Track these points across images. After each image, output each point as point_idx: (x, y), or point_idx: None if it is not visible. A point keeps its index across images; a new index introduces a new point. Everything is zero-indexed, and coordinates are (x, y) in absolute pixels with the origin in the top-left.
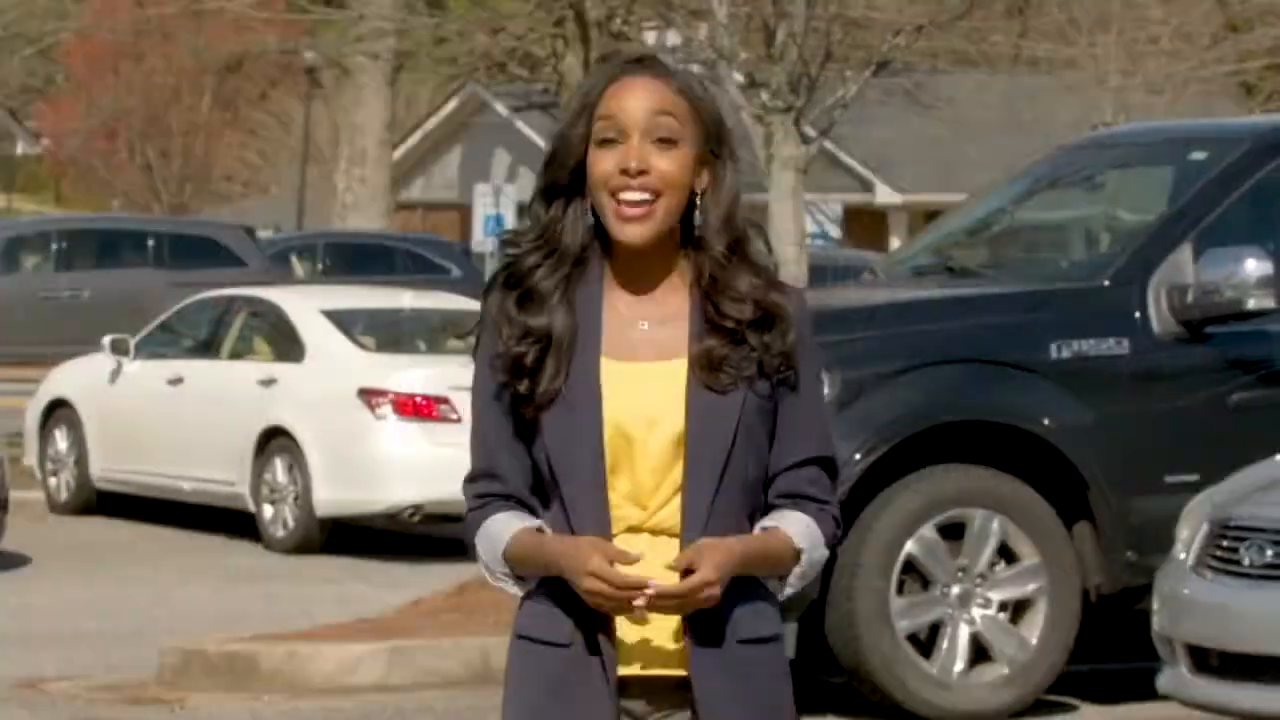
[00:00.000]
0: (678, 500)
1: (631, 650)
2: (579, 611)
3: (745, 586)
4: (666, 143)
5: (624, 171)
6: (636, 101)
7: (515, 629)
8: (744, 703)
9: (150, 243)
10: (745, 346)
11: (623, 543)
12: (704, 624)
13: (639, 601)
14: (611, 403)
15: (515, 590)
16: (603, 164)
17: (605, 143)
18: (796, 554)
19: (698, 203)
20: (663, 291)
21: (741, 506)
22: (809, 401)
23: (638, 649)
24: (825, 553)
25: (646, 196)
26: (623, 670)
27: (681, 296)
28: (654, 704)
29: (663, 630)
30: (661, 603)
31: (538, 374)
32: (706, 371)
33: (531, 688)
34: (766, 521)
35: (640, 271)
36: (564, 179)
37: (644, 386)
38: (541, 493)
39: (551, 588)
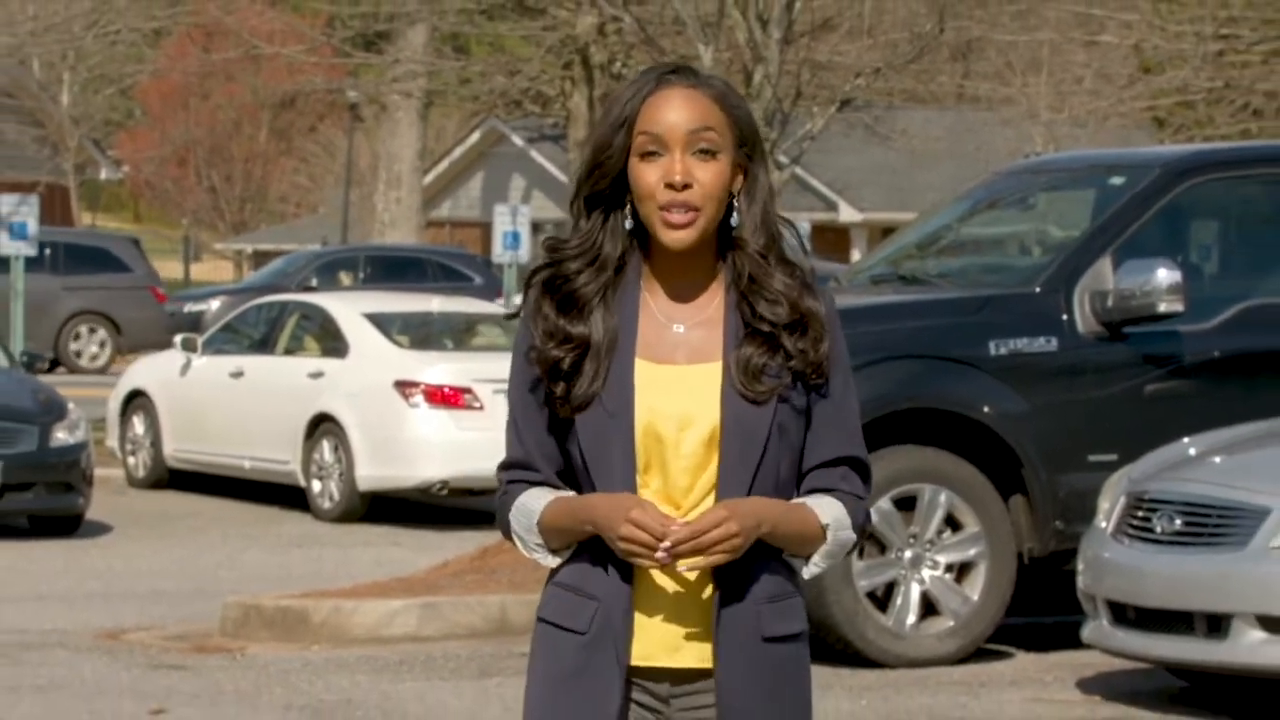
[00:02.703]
0: (711, 499)
1: (657, 642)
2: (600, 600)
3: (774, 581)
4: (707, 154)
5: (669, 185)
6: (677, 115)
7: (539, 612)
8: (766, 699)
9: (47, 251)
10: (782, 353)
11: None
12: (731, 620)
13: (665, 543)
14: (644, 404)
15: (549, 561)
16: (647, 177)
17: (648, 155)
18: (822, 530)
19: (735, 204)
20: (699, 294)
21: None
22: (840, 404)
23: (658, 639)
24: (853, 536)
25: (692, 209)
26: (646, 661)
27: (717, 301)
28: (677, 689)
29: (684, 620)
30: (683, 548)
31: (575, 377)
32: (745, 378)
33: (549, 671)
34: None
35: (678, 274)
36: (605, 188)
37: (678, 388)
38: (574, 483)
39: (575, 574)
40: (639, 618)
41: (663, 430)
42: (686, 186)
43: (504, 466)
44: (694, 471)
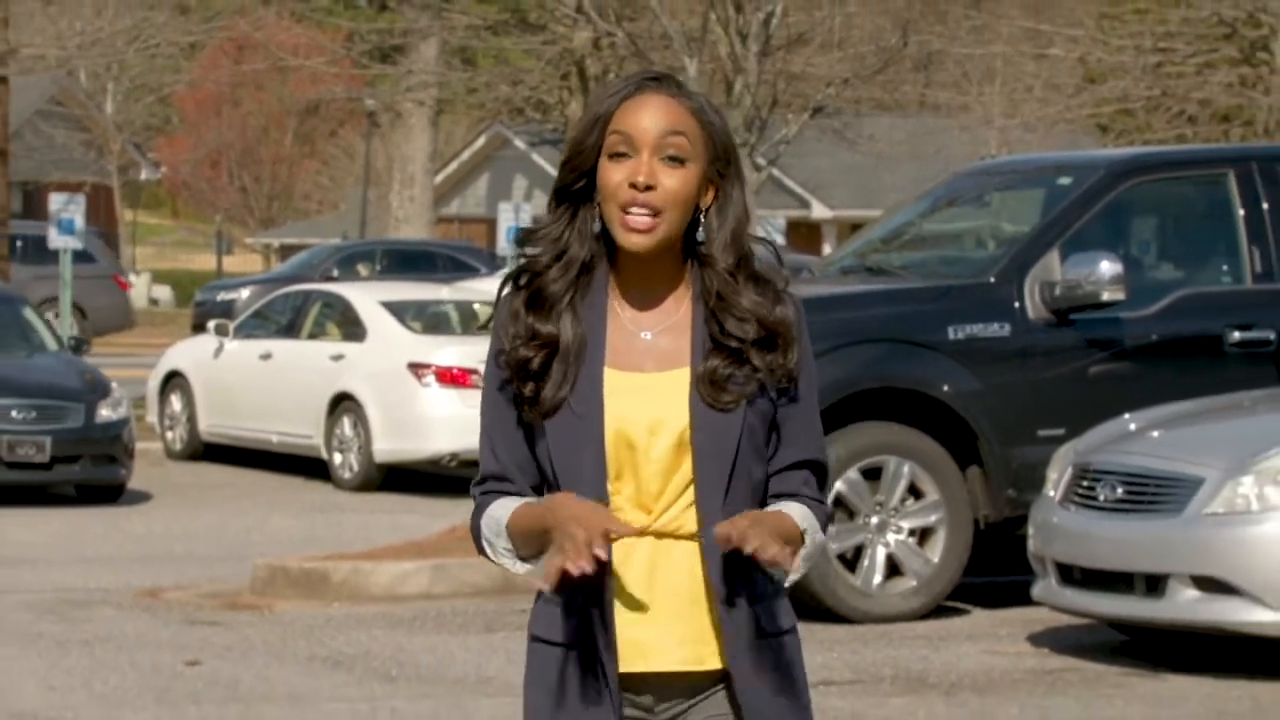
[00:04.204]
0: (681, 504)
1: (637, 648)
2: (583, 611)
3: (758, 582)
4: (675, 161)
5: (633, 185)
6: (649, 119)
7: (528, 628)
8: (776, 692)
9: (19, 244)
10: (748, 366)
11: (627, 547)
12: (735, 620)
13: (599, 549)
14: (613, 411)
15: (517, 567)
16: (612, 176)
17: (616, 156)
18: (800, 535)
19: (702, 219)
20: (667, 302)
21: (749, 506)
22: (805, 409)
23: (644, 646)
24: (824, 538)
25: (652, 211)
26: (627, 668)
27: (685, 308)
28: (661, 698)
29: (669, 628)
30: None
31: (543, 379)
32: (710, 389)
33: (539, 687)
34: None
35: (644, 282)
36: (576, 185)
37: (646, 395)
38: (545, 491)
39: (561, 586)
40: (620, 626)
41: (633, 436)
42: (650, 188)
43: (478, 481)
44: (665, 476)
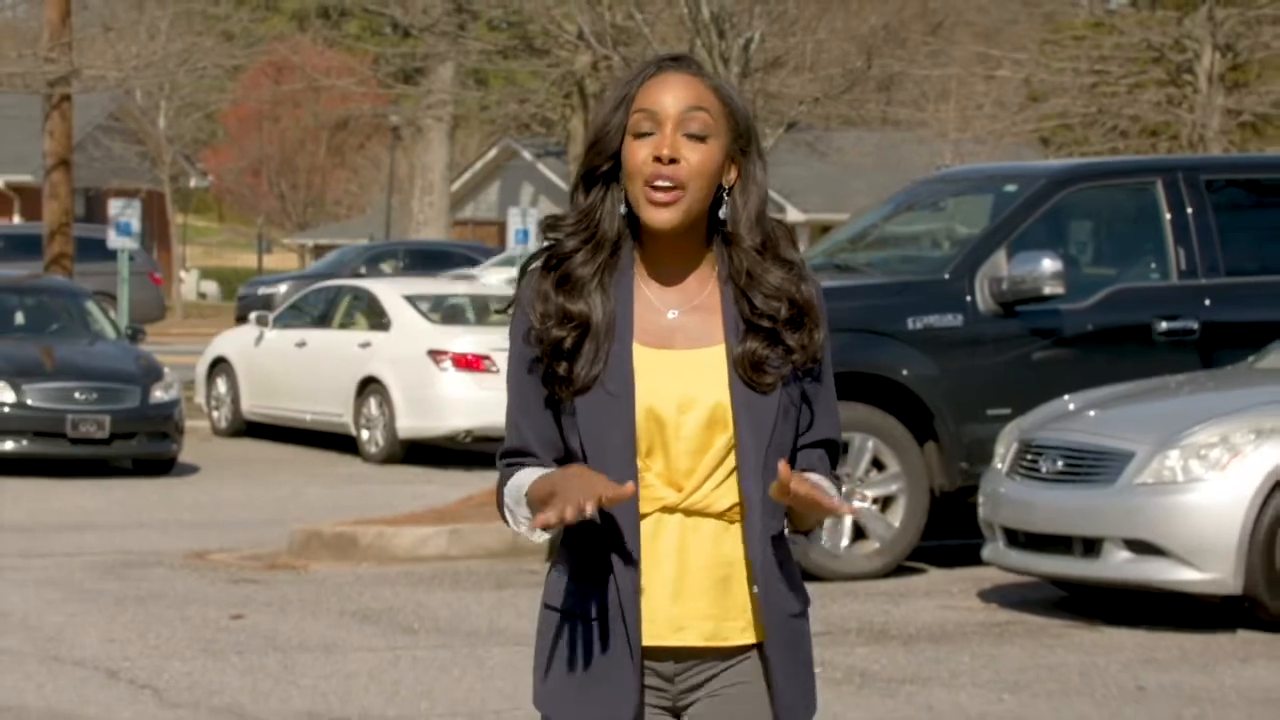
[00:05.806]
0: (712, 483)
1: (663, 622)
2: (606, 584)
3: (789, 568)
4: (698, 138)
5: (656, 159)
6: (672, 96)
7: (545, 599)
8: (797, 671)
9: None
10: (782, 346)
11: (657, 522)
12: (770, 600)
13: (589, 508)
14: (644, 387)
15: (535, 536)
16: (638, 153)
17: (641, 135)
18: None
19: (725, 197)
20: (691, 282)
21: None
22: (826, 387)
23: (671, 621)
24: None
25: (676, 184)
26: (653, 641)
27: (710, 288)
28: (681, 668)
29: (694, 604)
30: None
31: (575, 357)
32: (750, 372)
33: (561, 657)
34: None
35: (670, 261)
36: (602, 166)
37: (676, 372)
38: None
39: (579, 559)
40: (647, 600)
41: (663, 413)
42: (674, 161)
43: (503, 455)
44: (695, 454)
